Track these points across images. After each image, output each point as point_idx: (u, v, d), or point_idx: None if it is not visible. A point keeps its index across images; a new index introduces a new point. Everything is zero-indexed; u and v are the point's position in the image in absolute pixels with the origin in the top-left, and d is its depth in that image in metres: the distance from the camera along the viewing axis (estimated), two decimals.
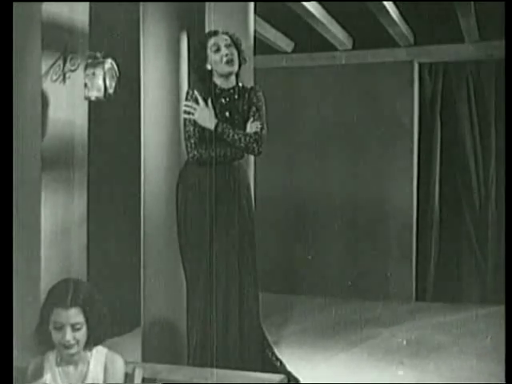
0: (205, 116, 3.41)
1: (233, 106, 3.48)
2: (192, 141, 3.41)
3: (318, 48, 6.41)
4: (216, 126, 3.39)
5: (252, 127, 3.44)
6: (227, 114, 3.46)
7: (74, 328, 2.48)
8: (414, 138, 6.34)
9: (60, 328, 2.47)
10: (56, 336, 2.48)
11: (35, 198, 3.40)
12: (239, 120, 3.46)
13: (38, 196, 3.41)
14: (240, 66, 3.51)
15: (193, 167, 3.45)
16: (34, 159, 3.39)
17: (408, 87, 6.32)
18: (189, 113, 3.44)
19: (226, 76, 3.47)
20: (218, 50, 3.44)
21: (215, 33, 3.49)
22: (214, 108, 3.44)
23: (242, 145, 3.40)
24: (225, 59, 3.42)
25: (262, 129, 3.44)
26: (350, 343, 4.79)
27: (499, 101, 6.03)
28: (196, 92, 3.44)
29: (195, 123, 3.42)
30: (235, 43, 3.48)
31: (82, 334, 2.49)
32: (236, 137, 3.40)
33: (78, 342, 2.49)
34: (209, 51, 3.46)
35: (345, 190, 6.46)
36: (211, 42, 3.45)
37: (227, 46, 3.44)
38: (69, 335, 2.47)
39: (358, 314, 5.66)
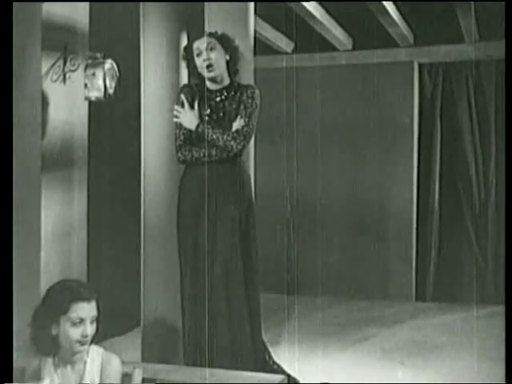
0: (187, 118, 3.46)
1: (222, 105, 3.48)
2: (177, 143, 3.49)
3: (318, 48, 6.41)
4: (197, 127, 3.41)
5: (236, 125, 3.44)
6: (214, 115, 3.47)
7: (91, 321, 2.47)
8: (414, 138, 6.34)
9: (79, 323, 2.44)
10: (73, 333, 2.43)
11: (35, 198, 3.40)
12: (227, 119, 3.47)
13: (38, 196, 3.41)
14: (236, 62, 3.51)
15: (191, 168, 3.47)
16: (34, 159, 3.39)
17: (408, 87, 6.31)
18: (176, 117, 3.48)
19: (212, 79, 3.48)
20: (199, 54, 3.45)
21: (199, 36, 3.49)
22: (200, 109, 3.46)
23: (221, 143, 3.40)
24: (204, 64, 3.43)
25: (244, 126, 3.43)
26: (350, 343, 4.79)
27: (499, 101, 6.03)
28: (182, 95, 3.50)
29: (181, 126, 3.48)
30: (223, 45, 3.47)
31: (94, 329, 2.49)
32: (214, 136, 3.40)
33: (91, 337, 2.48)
34: (194, 55, 3.47)
35: (345, 190, 6.47)
36: (194, 46, 3.48)
37: (209, 50, 3.44)
38: (89, 329, 2.45)
39: (357, 314, 5.66)
